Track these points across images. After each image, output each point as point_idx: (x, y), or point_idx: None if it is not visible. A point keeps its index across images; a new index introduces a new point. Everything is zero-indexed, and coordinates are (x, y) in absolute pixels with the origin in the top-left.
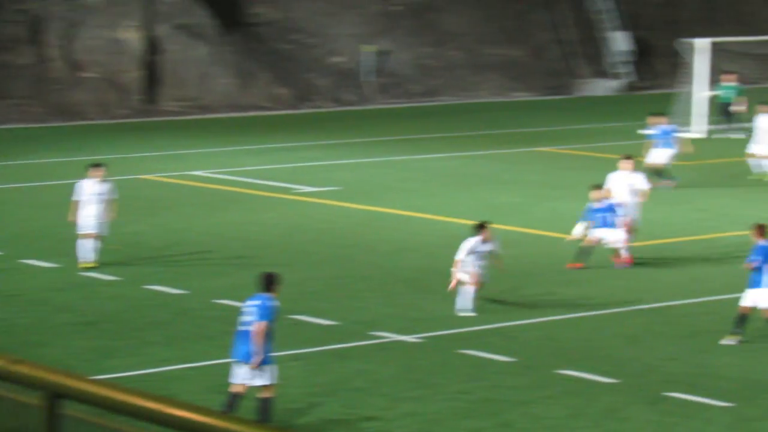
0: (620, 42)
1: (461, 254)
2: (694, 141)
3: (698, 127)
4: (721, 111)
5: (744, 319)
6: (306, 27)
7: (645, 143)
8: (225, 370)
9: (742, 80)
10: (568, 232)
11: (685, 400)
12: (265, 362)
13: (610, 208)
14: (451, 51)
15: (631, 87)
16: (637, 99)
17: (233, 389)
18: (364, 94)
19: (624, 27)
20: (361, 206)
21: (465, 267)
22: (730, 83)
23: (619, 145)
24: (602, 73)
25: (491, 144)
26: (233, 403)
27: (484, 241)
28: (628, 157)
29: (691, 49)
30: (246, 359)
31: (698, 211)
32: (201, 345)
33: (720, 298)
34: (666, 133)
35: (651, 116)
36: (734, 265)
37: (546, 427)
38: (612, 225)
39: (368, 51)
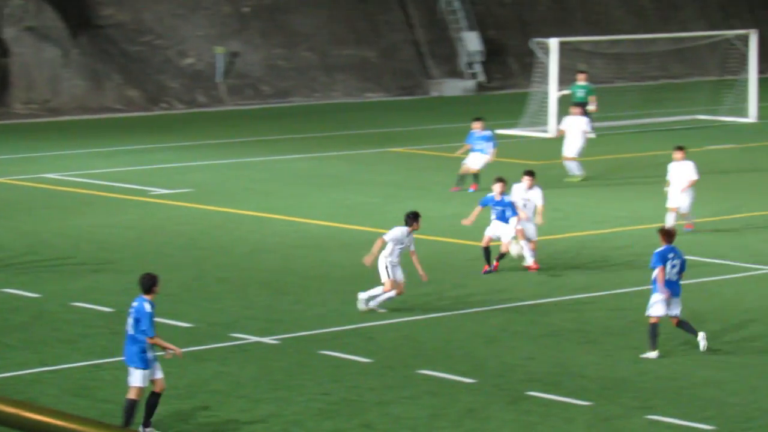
0: (472, 42)
1: (388, 236)
2: (548, 140)
3: (551, 126)
4: None
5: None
6: (156, 28)
7: (463, 146)
8: (83, 373)
9: (591, 79)
10: (422, 231)
11: (546, 399)
12: (138, 365)
13: (509, 204)
14: (302, 52)
15: (483, 87)
16: (490, 99)
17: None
18: (216, 95)
19: (475, 27)
20: (216, 208)
21: (394, 269)
22: (582, 83)
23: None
24: (455, 74)
25: (345, 145)
26: (150, 402)
27: (410, 233)
28: (529, 173)
29: (544, 48)
30: (130, 362)
31: (553, 211)
32: (59, 348)
33: (578, 297)
34: (483, 139)
35: (474, 121)
36: (590, 264)
37: (407, 427)
38: (506, 220)
39: (219, 52)
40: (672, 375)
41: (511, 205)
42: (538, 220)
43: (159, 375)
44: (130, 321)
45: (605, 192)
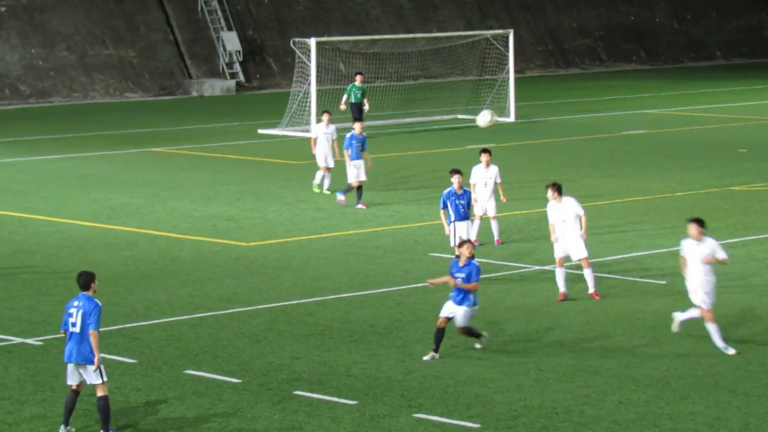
0: (231, 42)
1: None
2: (305, 140)
3: (313, 126)
4: (355, 111)
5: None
6: None
7: (344, 152)
8: None
9: (352, 79)
10: (185, 231)
11: (312, 399)
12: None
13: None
14: (60, 52)
15: (243, 87)
16: (250, 99)
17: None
18: None
19: (233, 27)
20: None
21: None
22: (359, 84)
23: (233, 145)
24: (215, 73)
25: (105, 145)
26: (68, 401)
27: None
28: (486, 151)
29: (303, 48)
30: (86, 360)
31: (316, 211)
32: None
33: (342, 296)
34: (362, 142)
35: (355, 122)
36: (354, 263)
37: (174, 427)
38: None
39: None
40: (437, 374)
41: (469, 196)
42: (502, 198)
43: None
44: (76, 320)
45: (366, 192)
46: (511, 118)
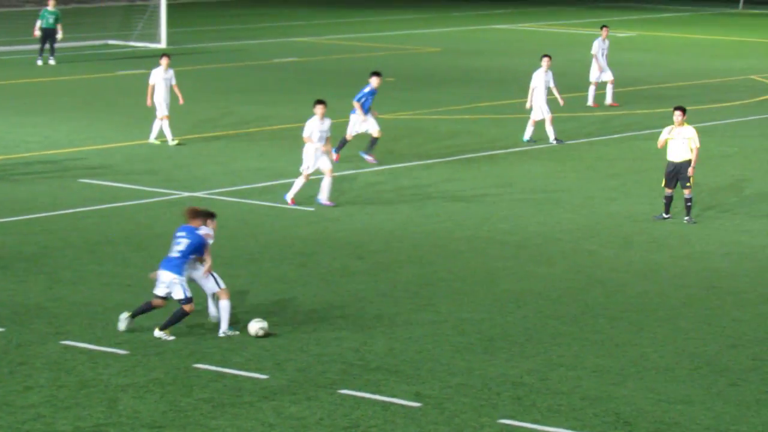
0: None
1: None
2: None
3: None
4: (44, 37)
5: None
6: None
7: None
8: None
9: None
10: None
11: None
12: None
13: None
14: None
15: None
16: None
17: None
18: None
19: None
20: None
21: None
22: (52, 8)
23: None
24: None
25: None
26: None
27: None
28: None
29: None
30: None
31: None
32: None
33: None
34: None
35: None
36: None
37: None
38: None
39: None
40: (86, 300)
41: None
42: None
43: None
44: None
45: None
46: (163, 44)
